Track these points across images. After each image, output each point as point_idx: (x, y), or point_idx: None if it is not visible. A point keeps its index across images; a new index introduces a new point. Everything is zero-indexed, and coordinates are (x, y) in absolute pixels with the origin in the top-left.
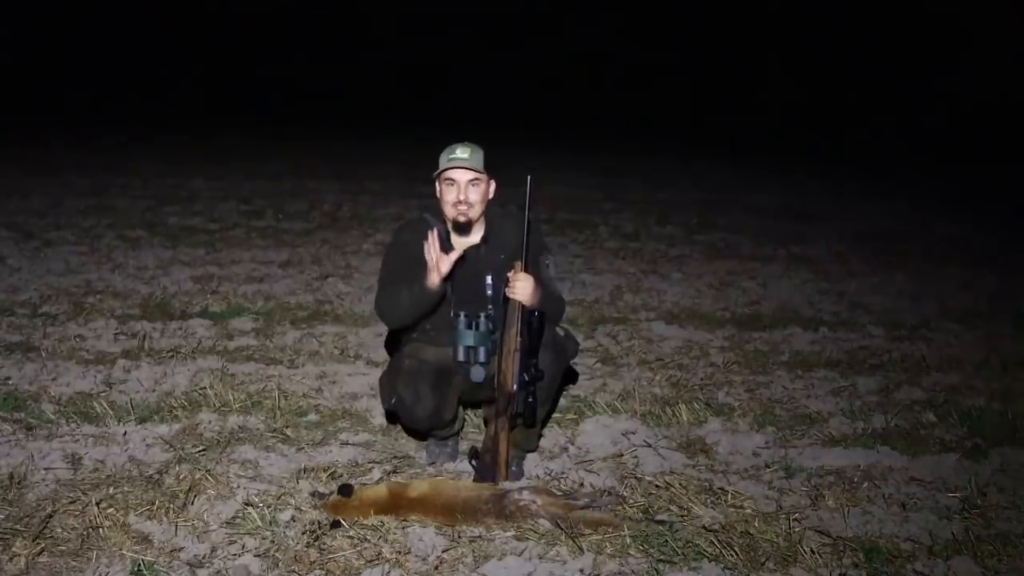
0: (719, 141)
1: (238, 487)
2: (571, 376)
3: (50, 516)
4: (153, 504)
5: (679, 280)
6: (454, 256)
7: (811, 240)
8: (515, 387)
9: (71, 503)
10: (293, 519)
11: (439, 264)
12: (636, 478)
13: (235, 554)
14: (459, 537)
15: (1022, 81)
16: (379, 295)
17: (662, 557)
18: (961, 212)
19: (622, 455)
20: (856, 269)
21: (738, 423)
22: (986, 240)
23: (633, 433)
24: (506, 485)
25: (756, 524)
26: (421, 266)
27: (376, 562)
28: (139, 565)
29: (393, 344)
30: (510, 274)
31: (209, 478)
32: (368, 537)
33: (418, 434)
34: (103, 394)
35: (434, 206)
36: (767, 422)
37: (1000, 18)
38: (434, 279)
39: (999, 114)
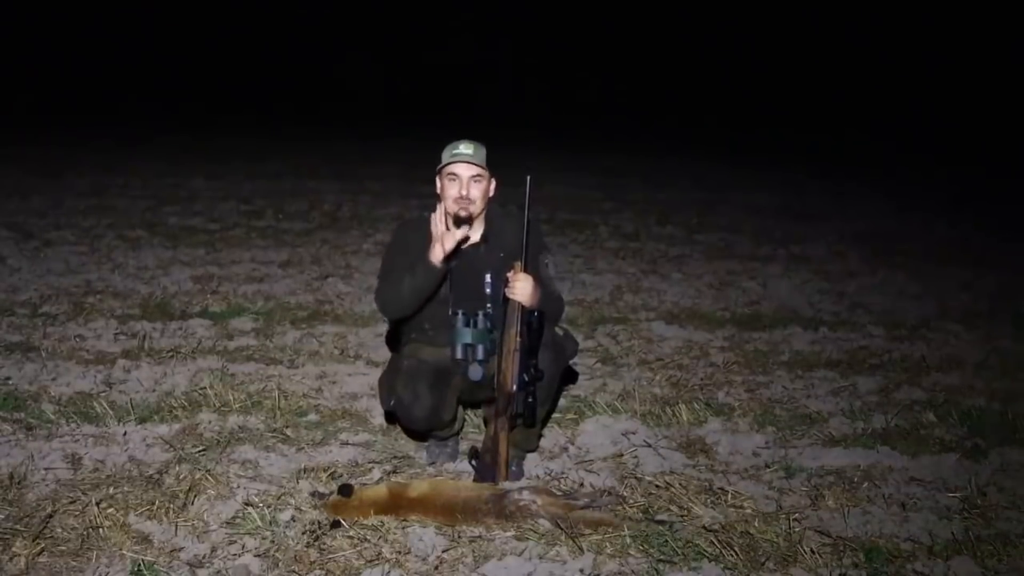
0: (719, 141)
1: (238, 487)
2: (571, 376)
3: (50, 516)
4: (153, 504)
5: (679, 280)
6: (460, 234)
7: (811, 240)
8: (515, 387)
9: (71, 503)
10: (293, 519)
11: (444, 239)
12: (636, 478)
13: (235, 554)
14: (459, 537)
15: (1022, 80)
16: (379, 286)
17: (662, 557)
18: (961, 212)
19: (622, 455)
20: (856, 269)
21: (738, 423)
22: (986, 240)
23: (633, 433)
24: (506, 485)
25: (756, 524)
26: (422, 257)
27: (376, 562)
28: (139, 565)
29: (394, 340)
30: (510, 274)
31: (209, 478)
32: (368, 537)
33: (417, 435)
34: (103, 394)
35: (435, 204)
36: (767, 422)
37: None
38: (437, 253)
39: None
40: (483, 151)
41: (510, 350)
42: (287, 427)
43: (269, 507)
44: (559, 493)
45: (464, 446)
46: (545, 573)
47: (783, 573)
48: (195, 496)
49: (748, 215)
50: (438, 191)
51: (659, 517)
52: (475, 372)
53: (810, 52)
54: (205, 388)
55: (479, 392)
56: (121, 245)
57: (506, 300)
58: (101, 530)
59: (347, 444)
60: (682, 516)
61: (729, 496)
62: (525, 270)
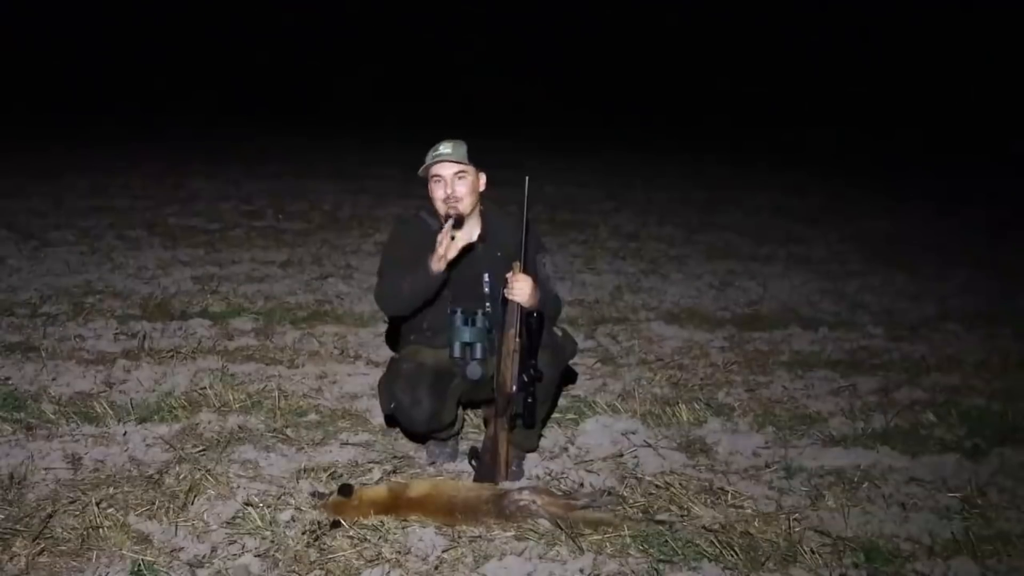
0: (719, 141)
1: (238, 487)
2: (571, 376)
3: (50, 516)
4: (153, 504)
5: (679, 280)
6: (460, 244)
7: (811, 240)
8: (514, 388)
9: (71, 503)
10: (293, 519)
11: (448, 250)
12: (636, 478)
13: (235, 554)
14: (459, 537)
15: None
16: (379, 284)
17: (662, 557)
18: (961, 212)
19: (622, 455)
20: (856, 269)
21: (738, 423)
22: (986, 240)
23: (633, 433)
24: (506, 485)
25: (756, 524)
26: (421, 255)
27: (376, 562)
28: (139, 565)
29: (394, 339)
30: (509, 275)
31: (209, 478)
32: (368, 537)
33: (418, 437)
34: (103, 394)
35: (428, 208)
36: (767, 422)
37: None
38: (440, 265)
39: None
40: (463, 147)
41: (510, 351)
42: (287, 427)
43: (269, 507)
44: (559, 493)
45: (464, 446)
46: (545, 573)
47: (783, 573)
48: (195, 496)
49: (748, 215)
50: (429, 196)
51: (659, 517)
52: (473, 371)
53: (810, 52)
54: (205, 388)
55: (479, 392)
56: (121, 245)
57: (505, 301)
58: (101, 530)
59: (347, 444)
60: (682, 516)
61: (729, 496)
62: (524, 270)
